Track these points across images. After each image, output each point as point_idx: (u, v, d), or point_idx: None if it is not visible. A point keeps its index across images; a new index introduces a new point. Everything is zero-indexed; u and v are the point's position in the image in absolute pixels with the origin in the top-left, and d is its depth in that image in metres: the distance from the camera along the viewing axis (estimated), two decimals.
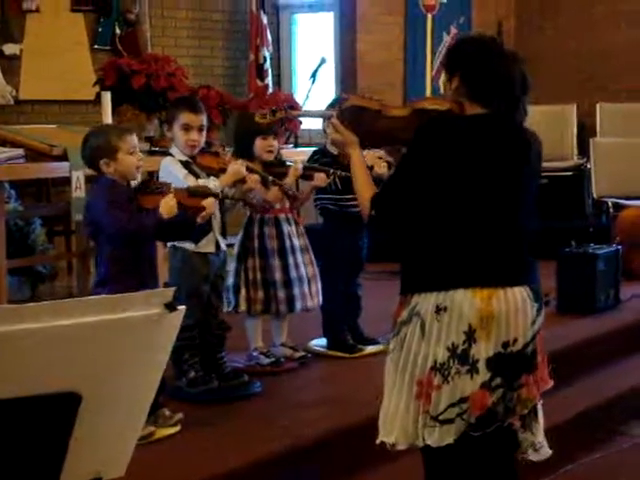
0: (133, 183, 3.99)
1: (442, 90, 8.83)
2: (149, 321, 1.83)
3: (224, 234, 4.53)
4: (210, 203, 4.02)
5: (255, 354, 4.97)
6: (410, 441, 3.05)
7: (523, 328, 3.02)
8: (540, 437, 3.18)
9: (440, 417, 2.98)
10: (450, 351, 2.96)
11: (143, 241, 3.88)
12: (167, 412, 4.00)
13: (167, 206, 3.84)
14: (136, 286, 3.37)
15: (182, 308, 1.86)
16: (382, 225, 3.18)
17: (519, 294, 3.02)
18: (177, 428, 4.01)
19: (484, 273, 3.00)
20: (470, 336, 2.95)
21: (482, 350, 2.96)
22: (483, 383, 2.97)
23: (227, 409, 4.33)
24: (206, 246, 4.37)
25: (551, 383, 3.19)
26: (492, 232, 3.03)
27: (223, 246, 4.52)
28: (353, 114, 3.26)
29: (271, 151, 4.88)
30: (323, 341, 5.31)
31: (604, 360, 5.70)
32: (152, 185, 3.97)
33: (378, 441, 3.12)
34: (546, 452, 3.22)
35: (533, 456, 3.20)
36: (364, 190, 3.17)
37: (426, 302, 2.99)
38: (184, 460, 3.77)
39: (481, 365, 2.96)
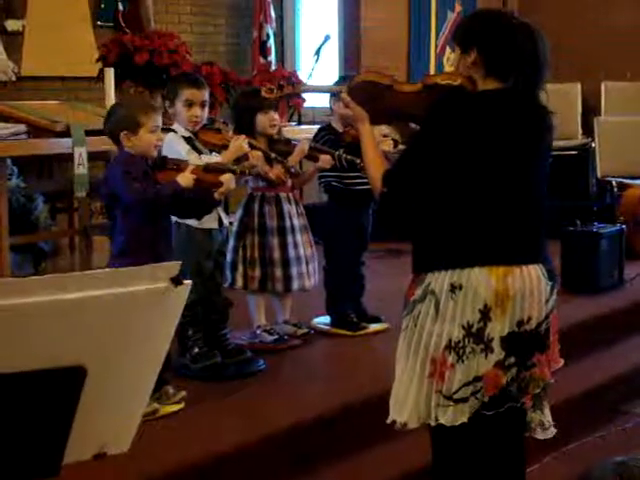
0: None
1: (446, 68, 8.81)
2: (155, 295, 1.82)
3: (226, 210, 4.52)
4: (228, 179, 4.00)
5: (258, 332, 4.96)
6: (422, 420, 3.03)
7: (538, 307, 3.00)
8: (549, 416, 3.18)
9: (454, 396, 2.96)
10: (465, 330, 2.94)
11: (160, 213, 3.86)
12: (171, 390, 3.99)
13: (185, 177, 3.84)
14: (152, 260, 3.29)
15: (188, 282, 1.86)
16: (393, 202, 3.13)
17: (534, 272, 3.00)
18: (181, 405, 4.00)
19: (500, 251, 2.98)
20: (485, 315, 2.93)
21: (497, 329, 2.94)
22: (497, 362, 2.95)
23: (230, 386, 4.32)
24: (209, 222, 4.36)
25: (561, 362, 3.19)
26: (507, 210, 3.00)
27: (226, 222, 4.51)
28: (364, 89, 3.22)
29: (274, 125, 4.86)
30: (327, 319, 5.30)
31: (608, 339, 5.70)
32: (169, 162, 3.96)
33: (389, 420, 3.09)
34: (552, 431, 3.21)
35: (539, 434, 3.19)
36: (374, 167, 3.14)
37: (440, 280, 2.96)
38: (188, 437, 3.76)
39: (495, 344, 2.94)
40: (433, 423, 3.01)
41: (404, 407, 3.05)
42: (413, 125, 3.18)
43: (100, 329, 1.80)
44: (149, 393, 2.00)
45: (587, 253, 6.26)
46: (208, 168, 4.01)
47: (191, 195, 3.86)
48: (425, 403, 3.01)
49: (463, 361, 2.95)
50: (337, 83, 5.02)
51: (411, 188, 3.05)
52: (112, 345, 1.83)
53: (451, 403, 2.97)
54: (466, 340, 2.94)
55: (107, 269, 1.84)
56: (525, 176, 3.04)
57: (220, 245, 4.51)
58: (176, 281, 1.82)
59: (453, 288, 2.94)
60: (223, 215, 4.46)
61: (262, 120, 4.83)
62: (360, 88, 3.23)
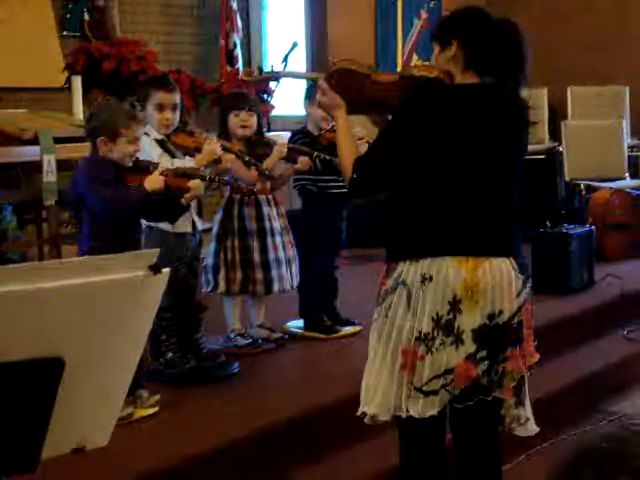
0: None
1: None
2: (133, 283, 1.80)
3: (200, 214, 4.50)
4: (196, 185, 3.98)
5: (232, 336, 4.94)
6: (392, 412, 3.02)
7: (509, 300, 2.99)
8: (529, 412, 3.16)
9: (424, 388, 2.96)
10: (434, 321, 2.94)
11: (126, 216, 3.83)
12: (145, 393, 3.97)
13: (152, 180, 3.82)
14: None
15: (166, 271, 1.84)
16: (363, 188, 3.14)
17: (504, 265, 2.99)
18: (155, 409, 3.98)
19: (470, 242, 2.98)
20: (455, 306, 2.93)
21: (467, 321, 2.94)
22: (468, 355, 2.95)
23: (205, 390, 4.31)
24: (183, 226, 4.34)
25: (537, 357, 3.17)
26: (479, 202, 3.01)
27: (199, 226, 4.49)
28: (341, 77, 3.21)
29: (245, 126, 4.83)
30: (300, 322, 5.29)
31: (579, 339, 5.73)
32: (139, 164, 3.93)
33: (359, 412, 3.08)
34: (533, 428, 3.20)
35: (520, 431, 3.18)
36: (347, 154, 3.13)
37: (412, 271, 2.96)
38: (163, 440, 3.75)
39: (466, 336, 2.94)
40: (404, 415, 2.99)
41: (374, 399, 3.04)
42: (390, 116, 3.18)
43: (78, 319, 1.77)
44: (128, 385, 1.98)
45: (557, 254, 6.30)
46: (178, 173, 3.99)
47: (158, 198, 3.84)
48: (396, 395, 3.00)
49: (432, 353, 2.94)
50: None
51: (381, 176, 3.07)
52: (90, 335, 1.81)
53: (421, 395, 2.96)
54: (435, 332, 2.93)
55: (85, 257, 1.81)
56: (497, 170, 3.04)
57: (194, 250, 4.48)
58: (155, 269, 1.80)
59: (424, 279, 2.94)
60: (196, 219, 4.44)
61: (233, 121, 4.82)
62: (338, 75, 3.22)
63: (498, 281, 2.96)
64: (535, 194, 8.75)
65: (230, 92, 5.36)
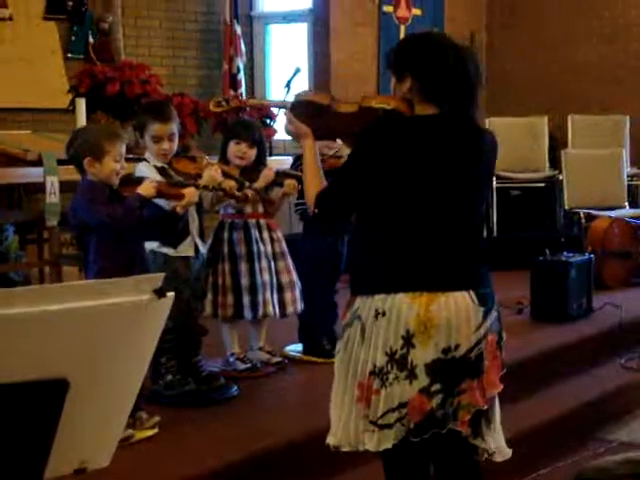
0: None
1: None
2: (138, 307, 1.83)
3: (202, 237, 4.53)
4: (191, 192, 4.01)
5: (232, 360, 4.95)
6: (353, 444, 3.04)
7: (466, 334, 2.95)
8: (492, 444, 3.07)
9: (379, 422, 2.96)
10: (388, 356, 2.93)
11: (131, 226, 3.83)
12: (144, 415, 3.99)
13: (145, 187, 3.86)
14: None
15: (171, 295, 1.86)
16: (324, 222, 3.19)
17: (462, 299, 2.95)
18: (155, 430, 4.00)
19: (425, 278, 2.95)
20: (408, 341, 2.91)
21: (421, 356, 2.92)
22: (422, 388, 2.93)
23: (204, 412, 4.32)
24: (186, 250, 4.37)
25: (500, 387, 3.08)
26: (436, 235, 2.98)
27: (202, 249, 4.52)
28: (304, 107, 3.26)
29: (242, 157, 4.84)
30: (299, 346, 5.30)
31: (577, 367, 5.74)
32: (132, 177, 3.98)
33: (326, 442, 3.11)
34: (506, 453, 3.14)
35: (499, 456, 3.12)
36: (311, 185, 3.15)
37: (367, 306, 2.97)
38: (161, 462, 3.76)
39: (420, 371, 2.92)
40: (361, 448, 3.01)
41: (337, 430, 3.06)
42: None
43: (83, 341, 1.80)
44: (131, 407, 2.00)
45: (556, 282, 6.31)
46: (170, 183, 4.03)
47: (157, 215, 3.86)
48: (354, 428, 3.01)
49: (386, 387, 2.94)
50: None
51: (339, 211, 3.12)
52: (95, 357, 1.83)
53: (376, 429, 2.97)
54: (389, 366, 2.93)
55: (90, 280, 1.84)
56: (455, 201, 3.00)
57: (197, 272, 4.51)
58: (159, 293, 1.83)
59: (377, 314, 2.93)
60: (199, 242, 4.47)
61: (233, 149, 4.85)
62: (300, 106, 3.27)
63: (454, 315, 2.92)
64: (534, 222, 8.83)
65: (239, 119, 5.38)
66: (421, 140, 2.97)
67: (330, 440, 3.09)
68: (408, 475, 3.13)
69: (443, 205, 2.98)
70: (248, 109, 4.45)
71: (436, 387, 2.93)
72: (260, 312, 4.85)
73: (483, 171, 3.11)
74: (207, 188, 4.17)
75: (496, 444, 3.10)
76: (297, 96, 3.35)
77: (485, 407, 3.02)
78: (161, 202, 4.04)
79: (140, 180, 3.95)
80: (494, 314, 3.03)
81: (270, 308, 4.86)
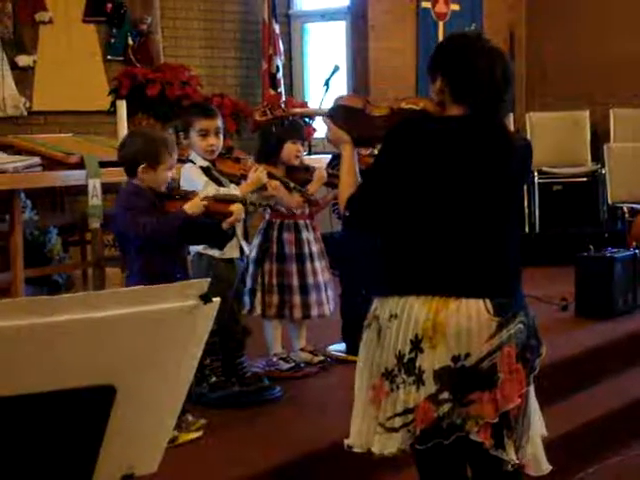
0: None
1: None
2: (184, 313, 1.82)
3: (247, 239, 4.54)
4: (238, 209, 4.01)
5: (274, 360, 4.96)
6: (364, 446, 3.01)
7: (477, 343, 2.87)
8: (513, 455, 2.93)
9: (386, 424, 2.93)
10: (397, 359, 2.91)
11: (171, 240, 3.85)
12: (190, 417, 3.99)
13: (193, 205, 3.84)
14: None
15: (217, 300, 1.86)
16: (354, 226, 3.20)
17: (475, 306, 2.88)
18: (199, 433, 4.01)
19: (439, 282, 2.90)
20: (417, 345, 2.87)
21: (429, 361, 2.87)
22: (429, 395, 2.87)
23: (248, 414, 4.33)
24: (231, 252, 4.38)
25: (517, 401, 2.92)
26: (453, 239, 2.93)
27: (247, 251, 4.53)
28: (341, 113, 3.25)
29: (298, 156, 4.89)
30: (342, 346, 5.29)
31: (623, 364, 5.68)
32: (179, 192, 3.97)
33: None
34: (540, 468, 3.06)
35: (531, 470, 3.04)
36: (345, 190, 3.14)
37: (384, 307, 2.96)
38: (206, 465, 3.77)
39: (427, 377, 2.87)
40: (373, 449, 2.98)
41: (353, 430, 3.05)
42: None
43: (129, 347, 1.80)
44: (177, 412, 2.00)
45: (602, 278, 6.25)
46: (217, 198, 4.02)
47: (199, 222, 3.86)
48: (366, 429, 3.00)
49: (393, 391, 2.92)
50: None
51: (368, 214, 3.08)
52: (141, 363, 1.83)
53: (383, 431, 2.94)
54: (398, 369, 2.90)
55: (136, 287, 1.84)
56: (477, 204, 2.94)
57: (241, 274, 4.52)
58: (205, 298, 1.82)
59: (391, 316, 2.92)
60: (244, 244, 4.49)
61: (290, 149, 4.85)
62: (338, 112, 3.26)
63: (465, 323, 2.86)
64: (577, 217, 8.74)
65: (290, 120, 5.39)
66: (446, 140, 2.95)
67: (347, 440, 3.08)
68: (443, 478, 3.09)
69: (463, 208, 2.93)
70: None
71: (444, 395, 2.87)
72: (314, 312, 4.89)
73: (512, 173, 3.03)
74: (254, 205, 4.17)
75: (524, 456, 2.98)
76: (334, 101, 3.35)
77: (495, 421, 2.90)
78: None
79: (186, 195, 3.92)
80: (517, 326, 2.93)
81: (325, 309, 4.92)
